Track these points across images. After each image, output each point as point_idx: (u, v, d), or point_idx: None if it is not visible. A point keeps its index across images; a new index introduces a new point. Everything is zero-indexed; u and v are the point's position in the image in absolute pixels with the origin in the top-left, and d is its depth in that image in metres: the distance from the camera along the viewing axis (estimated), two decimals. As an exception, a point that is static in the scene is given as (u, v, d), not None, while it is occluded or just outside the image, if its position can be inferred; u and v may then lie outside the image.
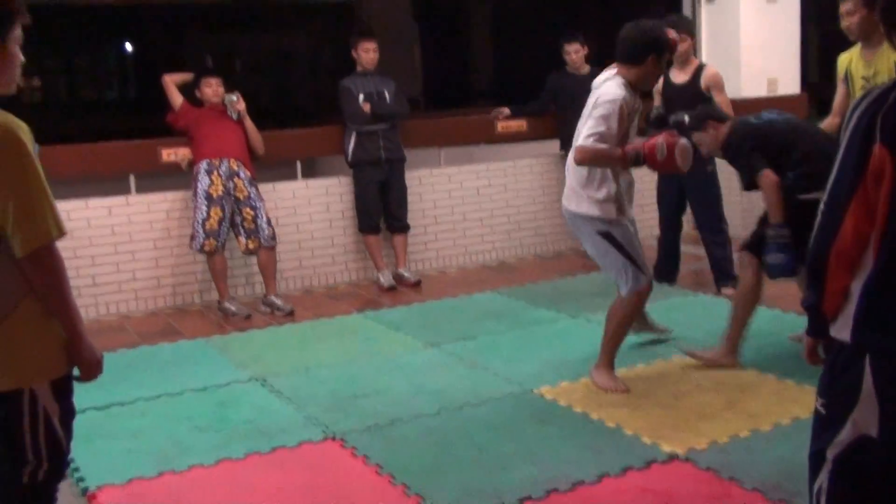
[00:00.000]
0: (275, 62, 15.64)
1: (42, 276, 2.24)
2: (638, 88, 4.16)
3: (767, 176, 4.25)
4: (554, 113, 7.18)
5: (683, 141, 4.12)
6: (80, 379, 2.41)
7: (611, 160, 4.05)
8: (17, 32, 2.28)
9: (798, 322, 5.20)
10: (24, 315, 2.27)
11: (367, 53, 6.46)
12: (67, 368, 2.35)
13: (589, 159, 4.03)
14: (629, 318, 4.34)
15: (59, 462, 2.41)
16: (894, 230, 2.00)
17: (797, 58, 7.90)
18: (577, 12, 11.83)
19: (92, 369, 2.39)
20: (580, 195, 4.19)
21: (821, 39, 11.20)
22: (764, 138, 4.38)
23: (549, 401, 4.18)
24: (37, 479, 2.36)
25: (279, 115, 11.86)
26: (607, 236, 4.19)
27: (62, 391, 2.36)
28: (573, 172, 4.21)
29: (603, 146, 3.98)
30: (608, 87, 4.09)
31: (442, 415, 4.07)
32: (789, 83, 7.87)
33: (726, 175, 6.02)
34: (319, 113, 11.04)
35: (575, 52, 6.94)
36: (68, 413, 2.41)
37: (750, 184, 4.41)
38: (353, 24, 12.25)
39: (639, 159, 4.04)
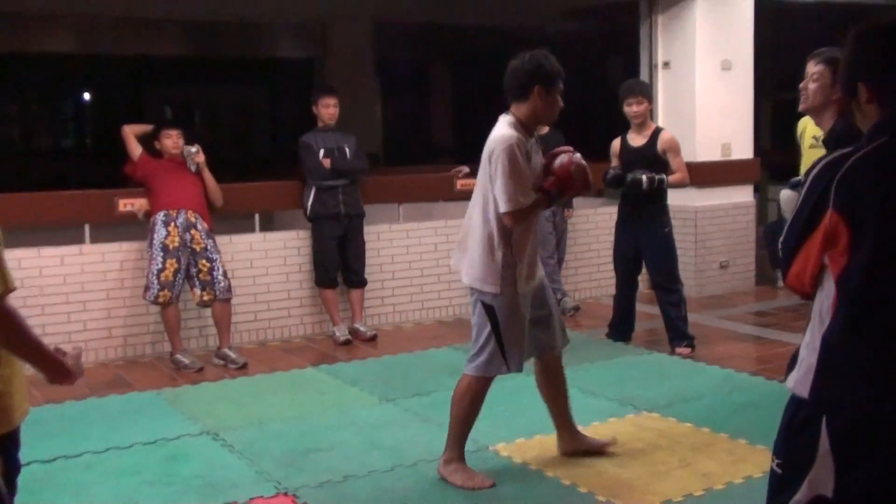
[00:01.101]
0: (234, 115, 15.67)
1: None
2: (531, 127, 3.79)
3: None
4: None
5: (577, 155, 3.90)
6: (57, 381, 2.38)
7: (538, 209, 3.77)
8: None
9: (748, 381, 5.26)
10: None
11: (327, 109, 6.50)
12: (14, 423, 2.30)
13: (524, 219, 3.70)
14: (477, 401, 3.86)
15: None
16: (850, 287, 2.06)
17: (750, 124, 8.10)
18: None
19: (68, 381, 2.37)
20: (472, 259, 3.78)
21: (772, 107, 11.50)
22: None
23: (504, 458, 4.16)
24: None
25: (238, 168, 11.86)
26: (489, 309, 3.77)
27: (7, 447, 2.31)
28: (469, 232, 3.82)
29: (525, 202, 3.62)
30: (495, 131, 3.73)
31: (396, 471, 4.03)
32: (742, 148, 8.05)
33: (680, 235, 6.13)
34: (278, 167, 11.06)
35: None
36: (12, 469, 2.36)
37: None
38: (314, 80, 12.34)
39: (561, 191, 3.80)
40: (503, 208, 3.62)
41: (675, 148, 5.89)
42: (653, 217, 5.88)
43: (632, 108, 5.84)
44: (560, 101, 3.82)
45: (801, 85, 3.77)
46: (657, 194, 5.82)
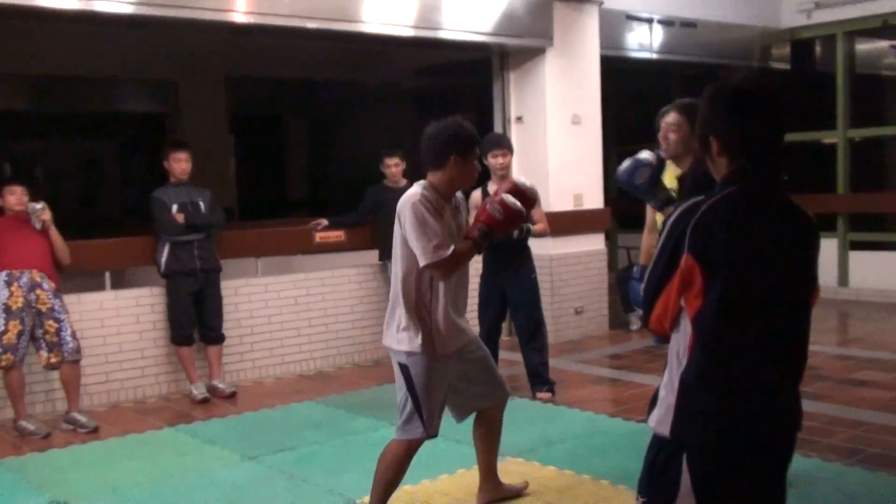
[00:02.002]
0: (81, 171, 15.11)
1: None
2: (447, 194, 3.73)
3: None
4: (372, 224, 7.31)
5: (508, 185, 3.83)
6: None
7: (466, 256, 3.66)
8: None
9: (608, 423, 5.40)
10: None
11: (178, 164, 6.38)
12: None
13: (451, 269, 3.61)
14: (397, 465, 3.73)
15: None
16: (703, 330, 2.16)
17: (600, 175, 8.41)
18: (391, 125, 12.14)
19: None
20: (390, 322, 3.72)
21: (619, 158, 11.98)
22: None
23: (371, 511, 4.10)
24: None
25: (86, 225, 11.41)
26: (404, 370, 3.68)
27: None
28: (392, 296, 3.76)
29: (448, 251, 3.55)
30: (405, 196, 3.68)
31: (261, 531, 3.92)
32: (594, 198, 8.34)
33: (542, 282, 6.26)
34: (126, 223, 10.72)
35: (395, 166, 7.15)
36: None
37: None
38: (165, 135, 12.07)
39: (488, 234, 3.71)
40: (422, 262, 3.55)
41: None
42: (519, 265, 6.01)
43: (497, 160, 5.97)
44: (477, 165, 3.79)
45: (659, 135, 3.94)
46: (522, 243, 5.96)
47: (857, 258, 9.96)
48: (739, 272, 2.16)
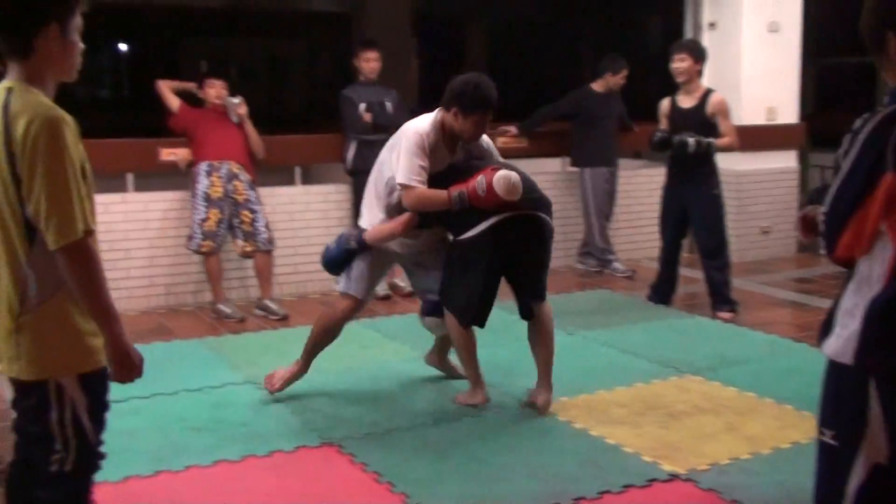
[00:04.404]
0: (271, 69, 15.62)
1: (70, 272, 2.20)
2: (448, 136, 4.10)
3: None
4: (558, 129, 7.29)
5: (503, 172, 3.90)
6: (113, 379, 2.37)
7: (436, 204, 3.98)
8: (78, 21, 2.29)
9: (792, 347, 5.22)
10: (56, 307, 2.25)
11: (368, 63, 6.45)
12: (101, 363, 2.32)
13: (414, 204, 4.01)
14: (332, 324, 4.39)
15: (87, 454, 2.39)
16: None
17: (796, 88, 7.96)
18: (577, 34, 11.91)
19: (123, 372, 2.32)
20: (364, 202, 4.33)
21: (818, 71, 11.31)
22: None
23: (548, 415, 4.16)
24: (64, 469, 2.35)
25: (273, 121, 11.83)
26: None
27: (93, 384, 2.33)
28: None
29: (427, 191, 3.98)
30: (415, 120, 4.12)
31: (439, 425, 4.05)
32: (788, 113, 7.91)
33: (727, 198, 6.05)
34: (314, 121, 11.03)
35: (623, 78, 7.15)
36: (100, 407, 2.39)
37: None
38: (351, 35, 12.24)
39: (463, 200, 3.91)
40: (400, 179, 3.99)
41: (724, 111, 5.80)
42: (701, 180, 5.81)
43: (673, 65, 5.76)
44: (478, 128, 4.07)
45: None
46: (705, 157, 5.75)
47: None
48: None
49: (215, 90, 6.07)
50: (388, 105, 6.46)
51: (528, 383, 4.55)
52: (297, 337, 5.43)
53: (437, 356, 4.69)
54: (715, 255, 5.92)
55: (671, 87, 6.00)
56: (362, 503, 3.33)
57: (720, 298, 5.93)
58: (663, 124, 5.92)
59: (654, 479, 3.47)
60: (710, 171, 5.83)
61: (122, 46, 15.95)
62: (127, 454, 3.69)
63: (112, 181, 6.31)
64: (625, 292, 6.63)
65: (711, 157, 5.81)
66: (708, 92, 5.84)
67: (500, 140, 7.24)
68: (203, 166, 5.88)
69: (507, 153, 7.41)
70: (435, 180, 4.04)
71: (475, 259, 4.06)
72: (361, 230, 4.27)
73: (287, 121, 12.30)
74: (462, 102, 3.99)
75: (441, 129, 4.08)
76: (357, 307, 4.37)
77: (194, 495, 3.37)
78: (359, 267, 4.29)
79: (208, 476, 3.54)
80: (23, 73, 2.26)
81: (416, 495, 3.34)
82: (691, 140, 5.62)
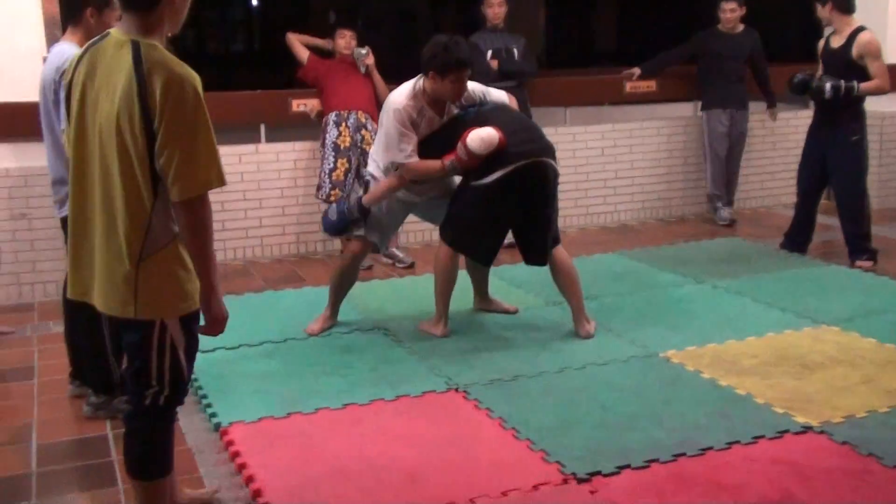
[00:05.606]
0: (396, 20, 15.64)
1: (190, 223, 2.37)
2: (432, 99, 4.33)
3: None
4: (690, 72, 7.08)
5: (472, 134, 4.14)
6: (202, 331, 2.56)
7: (433, 172, 4.33)
8: None
9: (940, 299, 4.96)
10: (170, 255, 2.42)
11: (492, 8, 6.39)
12: (197, 304, 2.49)
13: (413, 176, 4.36)
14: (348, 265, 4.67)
15: (180, 389, 2.58)
16: None
17: (951, 22, 7.46)
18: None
19: (216, 324, 2.53)
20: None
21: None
22: None
23: (675, 365, 4.10)
24: (158, 403, 2.55)
25: (401, 72, 11.88)
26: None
27: (190, 325, 2.52)
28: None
29: (422, 163, 4.30)
30: (395, 93, 4.39)
31: (565, 373, 4.05)
32: (939, 49, 7.44)
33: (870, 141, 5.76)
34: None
35: (731, 11, 6.76)
36: (193, 346, 2.58)
37: None
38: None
39: (455, 167, 4.25)
40: (396, 159, 4.31)
41: (872, 52, 5.48)
42: (842, 124, 5.54)
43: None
44: (456, 87, 4.27)
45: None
46: (849, 101, 5.47)
47: None
48: None
49: (345, 40, 6.14)
50: (515, 52, 6.40)
51: (654, 332, 4.51)
52: (423, 284, 5.53)
53: (480, 298, 4.95)
54: (851, 206, 5.66)
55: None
56: (488, 448, 3.37)
57: (858, 247, 5.69)
58: (821, 69, 5.66)
59: (785, 431, 3.39)
60: (853, 116, 5.55)
61: (254, 1, 16.27)
62: (261, 396, 3.85)
63: (246, 132, 6.50)
64: (757, 241, 6.42)
65: (857, 102, 5.53)
66: (857, 31, 5.53)
67: (629, 85, 7.10)
68: (332, 116, 5.98)
69: (637, 98, 7.31)
70: (434, 141, 4.33)
71: (485, 202, 4.30)
72: (360, 197, 4.49)
73: (414, 69, 12.35)
74: (435, 65, 4.24)
75: (423, 93, 4.34)
76: (365, 250, 4.67)
77: (324, 436, 3.48)
78: (374, 216, 4.54)
79: (338, 418, 3.64)
80: (141, 26, 2.36)
81: (541, 441, 3.35)
82: (828, 85, 5.37)
